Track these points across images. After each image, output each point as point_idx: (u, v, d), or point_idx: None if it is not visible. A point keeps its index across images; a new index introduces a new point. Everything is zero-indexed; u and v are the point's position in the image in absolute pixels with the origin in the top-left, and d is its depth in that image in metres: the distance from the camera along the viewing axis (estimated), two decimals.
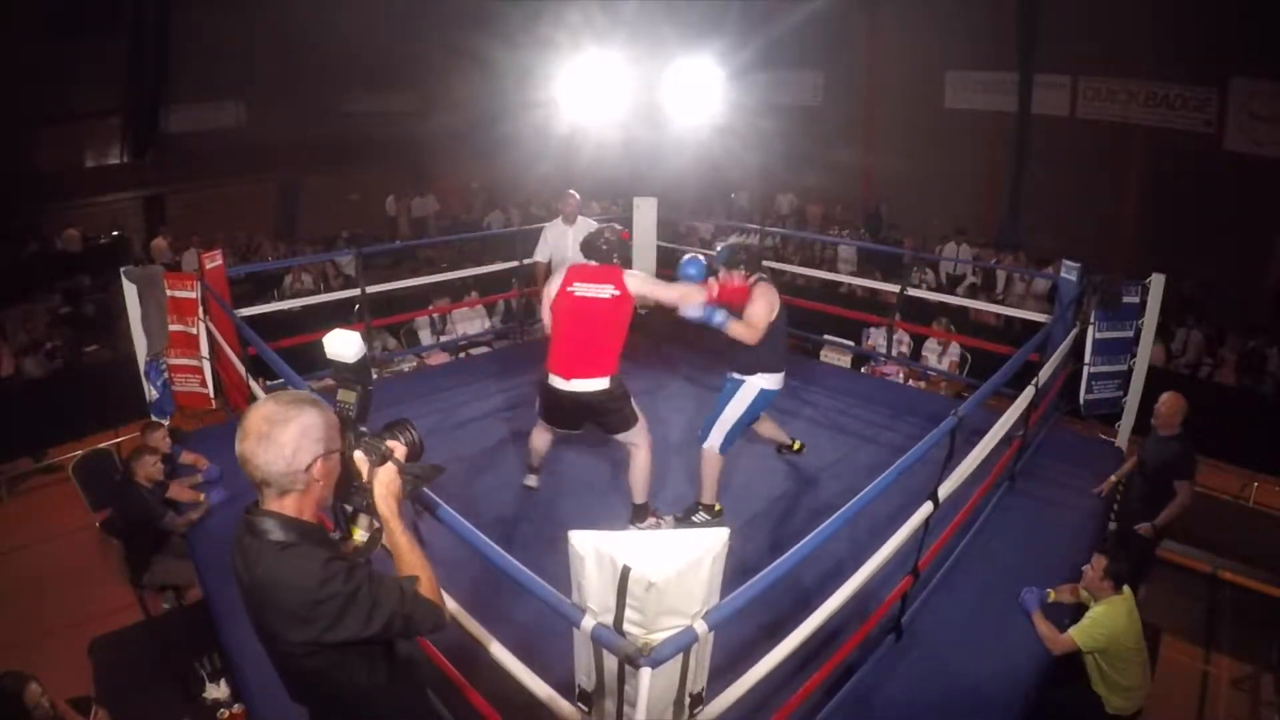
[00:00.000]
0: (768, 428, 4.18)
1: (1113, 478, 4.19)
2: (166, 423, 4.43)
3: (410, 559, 1.54)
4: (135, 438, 4.43)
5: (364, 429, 1.63)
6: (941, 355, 6.34)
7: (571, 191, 5.54)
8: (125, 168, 11.79)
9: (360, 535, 1.58)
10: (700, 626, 1.67)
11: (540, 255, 5.57)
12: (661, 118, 9.15)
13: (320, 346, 1.74)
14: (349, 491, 1.57)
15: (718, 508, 3.76)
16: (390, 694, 1.55)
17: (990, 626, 3.12)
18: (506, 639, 2.13)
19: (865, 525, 3.40)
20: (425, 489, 1.85)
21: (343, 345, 1.67)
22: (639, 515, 3.66)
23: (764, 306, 3.46)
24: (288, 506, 1.41)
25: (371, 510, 1.56)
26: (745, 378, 3.63)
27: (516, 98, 11.12)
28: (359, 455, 1.55)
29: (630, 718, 1.68)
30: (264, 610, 1.40)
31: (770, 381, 3.62)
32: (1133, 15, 8.93)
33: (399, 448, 1.61)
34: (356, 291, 5.39)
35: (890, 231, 11.01)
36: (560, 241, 5.42)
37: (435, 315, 6.83)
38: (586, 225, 5.45)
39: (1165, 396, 3.93)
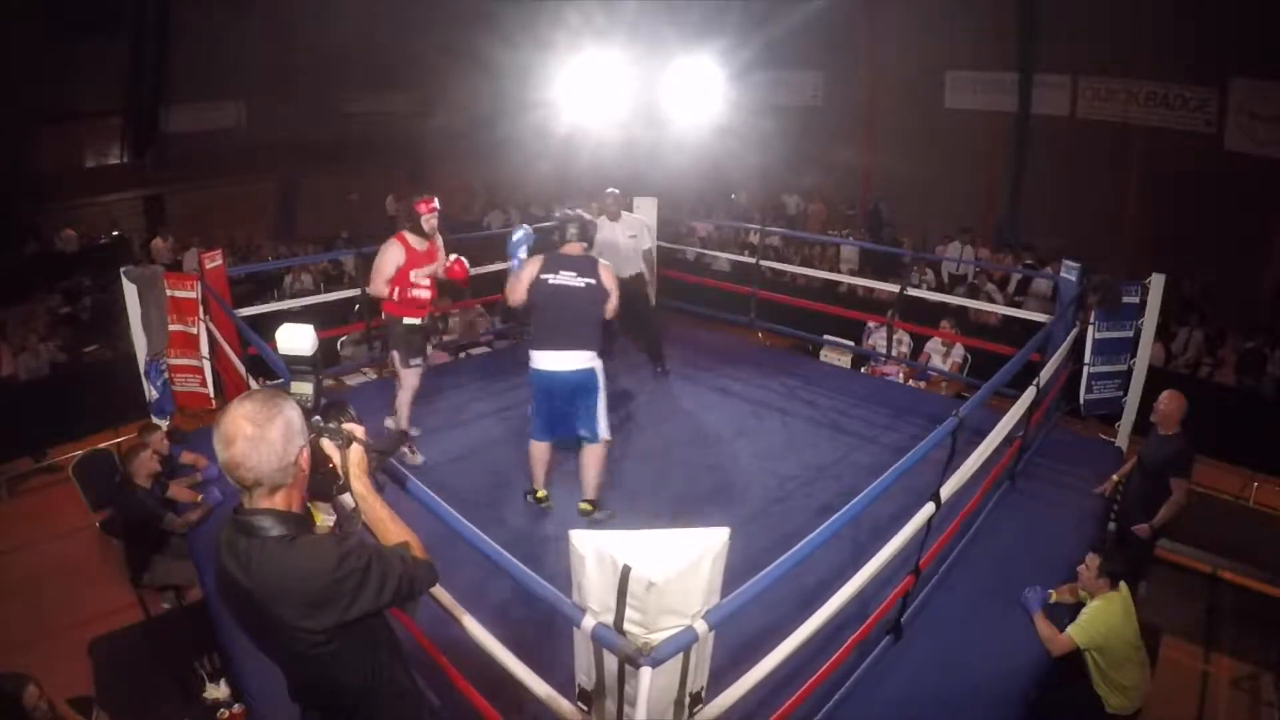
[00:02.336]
0: (541, 458, 3.79)
1: (1114, 477, 4.19)
2: (166, 423, 4.43)
3: (393, 527, 1.61)
4: (134, 438, 4.43)
5: (317, 417, 1.66)
6: (946, 356, 6.33)
7: (611, 189, 5.59)
8: (125, 168, 11.79)
9: (322, 519, 1.62)
10: (700, 626, 1.67)
11: (592, 253, 5.61)
12: (661, 118, 9.16)
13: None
14: (317, 479, 1.60)
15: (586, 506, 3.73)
16: (390, 677, 1.58)
17: (990, 626, 3.12)
18: (506, 639, 2.13)
19: (866, 525, 3.41)
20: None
21: (298, 340, 1.70)
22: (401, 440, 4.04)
23: (529, 270, 3.58)
24: (279, 501, 1.43)
25: (346, 490, 1.62)
26: None
27: (516, 98, 11.09)
28: (326, 442, 1.59)
29: (630, 717, 1.68)
30: (274, 606, 1.39)
31: (532, 359, 3.54)
32: (1133, 15, 8.91)
33: (356, 428, 1.66)
34: (356, 291, 5.40)
35: (890, 231, 11.00)
36: (610, 238, 5.48)
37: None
38: (630, 220, 5.56)
39: (1165, 395, 3.89)
